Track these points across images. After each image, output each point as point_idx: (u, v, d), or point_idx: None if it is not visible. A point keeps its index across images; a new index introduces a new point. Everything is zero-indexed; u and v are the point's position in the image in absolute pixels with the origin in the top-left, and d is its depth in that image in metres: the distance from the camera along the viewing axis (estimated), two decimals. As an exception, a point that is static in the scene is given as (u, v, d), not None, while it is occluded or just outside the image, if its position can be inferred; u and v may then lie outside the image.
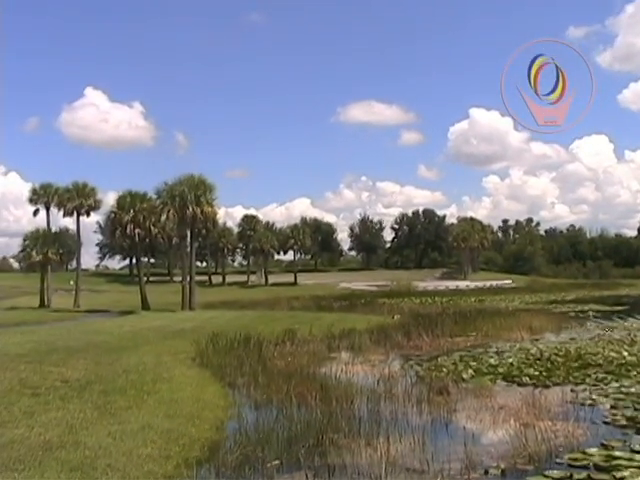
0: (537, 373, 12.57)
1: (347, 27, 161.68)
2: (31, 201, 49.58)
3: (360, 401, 9.94)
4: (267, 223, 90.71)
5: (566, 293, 53.25)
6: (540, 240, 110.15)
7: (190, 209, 39.00)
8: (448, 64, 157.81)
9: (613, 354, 14.71)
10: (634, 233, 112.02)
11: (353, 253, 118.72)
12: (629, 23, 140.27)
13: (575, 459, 7.04)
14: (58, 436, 7.41)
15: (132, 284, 64.56)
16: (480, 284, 70.56)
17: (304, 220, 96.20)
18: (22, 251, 50.54)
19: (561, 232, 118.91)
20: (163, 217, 40.43)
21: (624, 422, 8.63)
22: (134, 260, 68.43)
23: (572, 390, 10.83)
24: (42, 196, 48.93)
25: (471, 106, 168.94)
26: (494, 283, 72.33)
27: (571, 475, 6.55)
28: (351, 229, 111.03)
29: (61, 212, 49.01)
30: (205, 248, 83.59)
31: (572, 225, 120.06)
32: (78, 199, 47.92)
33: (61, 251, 49.79)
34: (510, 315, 25.75)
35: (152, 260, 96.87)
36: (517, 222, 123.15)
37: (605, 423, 8.66)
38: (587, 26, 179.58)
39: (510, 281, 76.82)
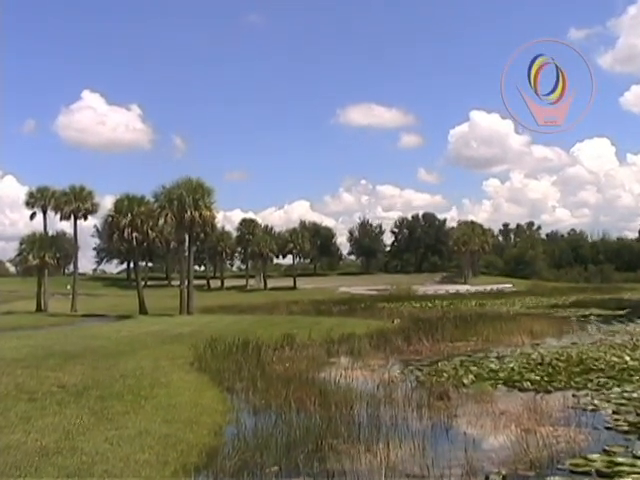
0: (538, 378, 12.49)
1: (346, 29, 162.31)
2: (28, 204, 49.43)
3: (360, 406, 9.88)
4: (266, 227, 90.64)
5: (567, 297, 53.16)
6: (541, 244, 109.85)
7: (188, 213, 38.88)
8: (448, 66, 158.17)
9: (615, 359, 14.66)
10: (636, 236, 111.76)
11: (352, 257, 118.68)
12: (631, 24, 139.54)
13: (577, 465, 6.99)
14: (55, 442, 7.37)
15: (130, 288, 64.53)
16: (481, 288, 70.48)
17: (303, 224, 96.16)
18: (19, 255, 50.31)
19: (562, 236, 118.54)
20: (161, 221, 40.26)
21: (626, 427, 8.57)
22: (132, 264, 68.53)
23: (574, 395, 10.77)
24: (39, 199, 48.77)
25: (471, 109, 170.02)
26: (495, 287, 72.25)
27: (573, 481, 6.50)
28: (350, 233, 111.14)
29: (58, 216, 48.78)
30: (203, 252, 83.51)
31: (573, 229, 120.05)
32: (75, 202, 47.75)
33: (58, 255, 49.39)
34: (511, 319, 25.70)
35: (150, 264, 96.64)
36: (518, 226, 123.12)
37: (607, 429, 8.61)
38: (588, 27, 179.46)
39: (511, 285, 76.68)
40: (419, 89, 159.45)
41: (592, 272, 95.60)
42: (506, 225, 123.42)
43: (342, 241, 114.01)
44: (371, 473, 6.85)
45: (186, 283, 40.85)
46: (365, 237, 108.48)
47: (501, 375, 12.97)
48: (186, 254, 42.52)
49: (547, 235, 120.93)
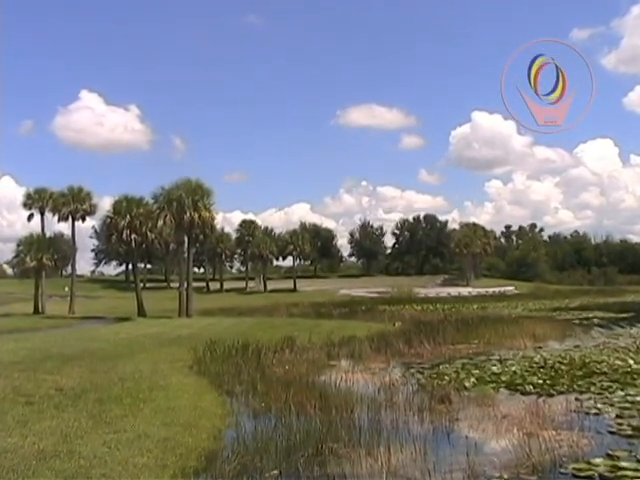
0: (541, 381, 12.40)
1: (347, 29, 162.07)
2: (25, 206, 49.50)
3: (360, 410, 9.81)
4: (266, 228, 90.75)
5: (570, 300, 53.06)
6: (544, 246, 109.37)
7: (187, 214, 38.86)
8: (449, 67, 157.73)
9: (618, 362, 14.55)
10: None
11: (353, 259, 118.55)
12: (634, 24, 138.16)
13: (580, 469, 6.92)
14: (52, 445, 7.31)
15: (128, 290, 64.34)
16: (482, 291, 70.38)
17: (303, 225, 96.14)
18: (16, 257, 50.34)
19: (565, 238, 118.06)
20: (160, 222, 40.24)
21: (630, 432, 8.48)
22: (130, 266, 68.12)
23: (577, 399, 10.67)
24: (36, 201, 48.81)
25: (473, 109, 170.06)
26: (497, 290, 72.11)
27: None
28: (351, 235, 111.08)
29: (56, 217, 48.94)
30: (202, 254, 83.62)
31: (576, 231, 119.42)
32: (73, 204, 47.79)
33: (56, 257, 49.39)
34: (513, 322, 25.57)
35: (149, 266, 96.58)
36: (520, 228, 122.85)
37: (610, 433, 8.52)
38: (591, 28, 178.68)
39: (513, 287, 76.55)
40: (420, 90, 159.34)
41: (595, 274, 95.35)
42: (508, 227, 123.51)
43: (343, 243, 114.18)
44: (372, 477, 6.81)
45: (185, 285, 40.83)
46: (366, 239, 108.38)
47: (503, 378, 12.87)
48: (185, 256, 42.51)
49: (550, 237, 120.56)
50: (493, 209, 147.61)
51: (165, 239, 48.22)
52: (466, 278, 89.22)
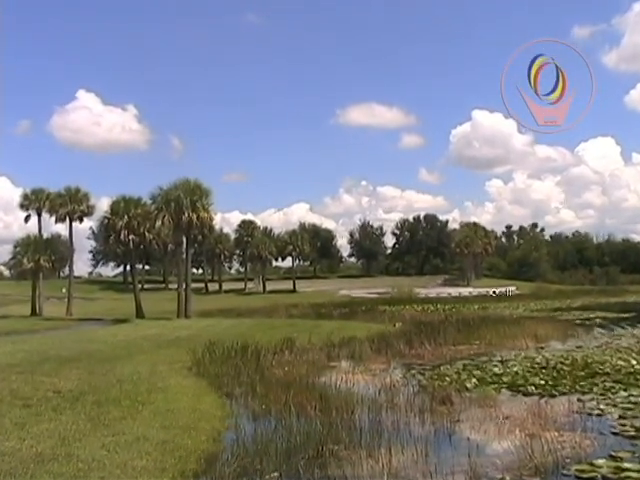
0: (543, 382, 12.35)
1: (347, 28, 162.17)
2: (22, 207, 49.46)
3: (361, 411, 9.76)
4: (265, 229, 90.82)
5: (572, 300, 53.08)
6: (545, 246, 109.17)
7: (186, 215, 38.81)
8: (450, 65, 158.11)
9: (621, 362, 14.51)
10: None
11: (353, 259, 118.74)
12: (636, 22, 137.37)
13: (582, 471, 6.87)
14: (50, 448, 7.26)
15: (126, 292, 64.35)
16: (483, 291, 70.30)
17: (303, 226, 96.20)
18: (13, 258, 50.24)
19: (567, 237, 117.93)
20: (158, 223, 40.19)
21: (633, 432, 8.43)
22: (128, 267, 68.39)
23: (579, 400, 10.61)
24: (33, 201, 48.74)
25: (473, 108, 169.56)
26: (498, 290, 72.01)
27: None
28: (351, 235, 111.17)
29: (53, 218, 48.92)
30: (201, 254, 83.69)
31: (578, 230, 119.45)
32: (70, 204, 47.72)
33: (53, 258, 49.20)
34: (514, 323, 25.50)
35: (147, 267, 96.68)
36: (521, 227, 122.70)
37: (613, 434, 8.47)
38: (592, 25, 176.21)
39: (514, 287, 76.51)
40: (420, 88, 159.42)
41: (597, 274, 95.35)
42: (509, 227, 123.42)
43: (342, 243, 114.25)
44: (373, 479, 6.76)
45: (184, 286, 40.79)
46: (366, 239, 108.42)
47: (505, 379, 12.82)
48: (184, 256, 42.51)
49: (551, 237, 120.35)
50: (494, 209, 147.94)
51: (163, 240, 48.23)
52: (467, 278, 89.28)
